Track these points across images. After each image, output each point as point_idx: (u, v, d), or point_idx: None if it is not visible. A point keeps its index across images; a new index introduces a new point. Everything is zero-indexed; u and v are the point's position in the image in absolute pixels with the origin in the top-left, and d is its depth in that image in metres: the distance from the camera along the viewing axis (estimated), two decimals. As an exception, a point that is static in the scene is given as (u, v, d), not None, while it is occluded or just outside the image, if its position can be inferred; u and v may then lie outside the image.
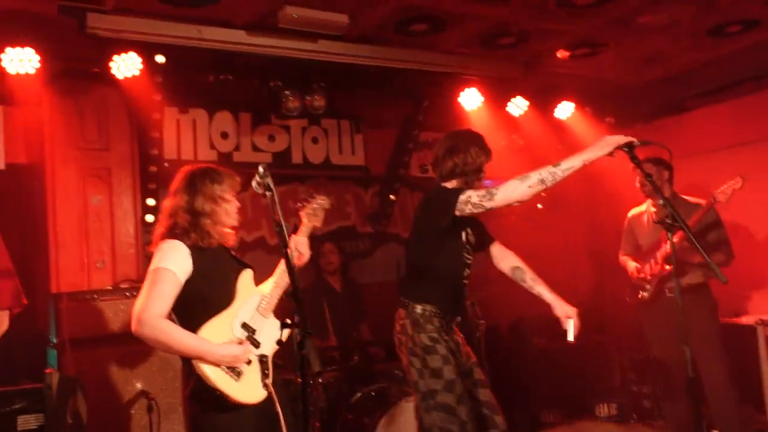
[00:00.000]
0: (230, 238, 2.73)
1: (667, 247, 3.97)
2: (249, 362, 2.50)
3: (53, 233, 4.04)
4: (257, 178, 2.24)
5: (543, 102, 5.62)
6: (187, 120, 4.83)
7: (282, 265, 2.67)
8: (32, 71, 3.73)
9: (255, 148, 5.06)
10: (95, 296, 3.72)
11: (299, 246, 2.77)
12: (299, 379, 3.98)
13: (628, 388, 5.07)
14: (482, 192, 2.82)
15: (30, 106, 4.16)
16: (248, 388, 2.48)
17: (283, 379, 2.72)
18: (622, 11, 4.17)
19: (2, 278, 2.22)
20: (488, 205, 2.80)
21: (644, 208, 4.41)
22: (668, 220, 2.75)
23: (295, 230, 2.88)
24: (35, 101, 4.12)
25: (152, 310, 2.40)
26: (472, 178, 3.04)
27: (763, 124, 5.05)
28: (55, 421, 1.76)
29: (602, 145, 2.68)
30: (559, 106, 5.71)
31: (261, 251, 5.15)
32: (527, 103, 5.46)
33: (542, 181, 2.72)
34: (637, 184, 4.25)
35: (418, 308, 3.02)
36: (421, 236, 3.13)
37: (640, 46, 4.83)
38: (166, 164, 4.50)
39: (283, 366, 2.86)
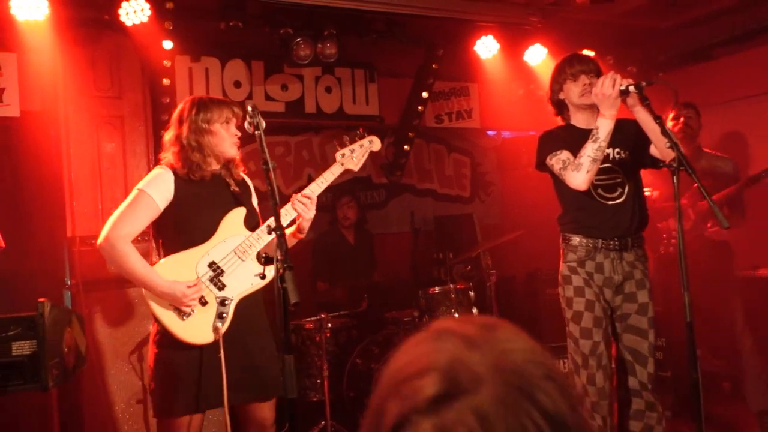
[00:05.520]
0: (235, 172, 2.70)
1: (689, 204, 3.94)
2: (204, 303, 2.48)
3: (68, 180, 4.11)
4: (247, 117, 2.24)
5: (562, 50, 5.44)
6: (199, 68, 4.82)
7: (282, 212, 2.56)
8: (41, 18, 3.75)
9: (268, 98, 5.04)
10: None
11: (305, 202, 2.59)
12: (308, 325, 4.07)
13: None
14: (560, 165, 2.91)
15: (43, 53, 4.18)
16: (194, 328, 2.45)
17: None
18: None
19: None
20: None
21: None
22: (674, 164, 2.69)
23: (310, 179, 2.81)
24: (48, 49, 4.15)
25: (119, 230, 2.44)
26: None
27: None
28: (48, 348, 1.82)
29: (610, 100, 2.75)
30: (579, 54, 5.56)
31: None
32: (546, 51, 5.33)
33: (594, 160, 2.82)
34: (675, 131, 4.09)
35: (567, 237, 3.06)
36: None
37: (663, -11, 4.66)
38: (178, 113, 4.53)
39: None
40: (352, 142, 2.77)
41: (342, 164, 2.72)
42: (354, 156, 2.75)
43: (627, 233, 3.00)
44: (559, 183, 3.05)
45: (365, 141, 2.79)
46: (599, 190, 2.99)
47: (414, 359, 0.71)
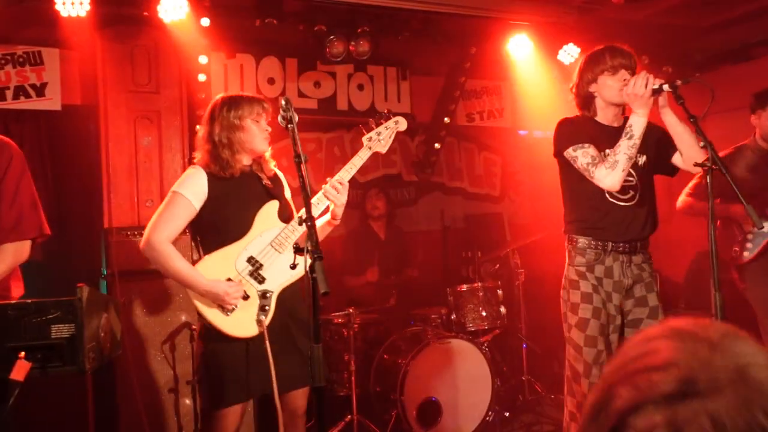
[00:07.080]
0: (266, 167, 2.74)
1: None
2: (246, 297, 2.54)
3: (106, 173, 4.22)
4: (281, 111, 2.28)
5: (597, 50, 5.42)
6: (234, 65, 4.90)
7: (314, 201, 2.62)
8: (83, 14, 3.85)
9: (301, 94, 5.10)
10: (143, 232, 3.87)
11: (338, 189, 2.60)
12: (337, 320, 4.10)
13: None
14: (587, 159, 2.78)
15: (84, 49, 4.30)
16: (239, 323, 2.52)
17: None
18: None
19: (28, 209, 2.36)
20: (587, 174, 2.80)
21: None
22: (707, 163, 2.67)
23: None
24: (89, 44, 4.27)
25: (160, 233, 2.52)
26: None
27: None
28: (86, 331, 1.89)
29: (642, 99, 2.68)
30: (614, 54, 5.50)
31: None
32: (579, 50, 5.28)
33: (630, 158, 2.74)
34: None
35: (574, 239, 2.92)
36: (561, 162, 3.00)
37: (700, -12, 4.60)
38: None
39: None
40: (378, 124, 2.77)
41: (369, 148, 2.74)
42: (381, 138, 2.76)
43: (638, 237, 2.90)
44: (571, 177, 2.92)
45: (390, 122, 2.79)
46: (628, 192, 2.88)
47: (651, 352, 0.72)
